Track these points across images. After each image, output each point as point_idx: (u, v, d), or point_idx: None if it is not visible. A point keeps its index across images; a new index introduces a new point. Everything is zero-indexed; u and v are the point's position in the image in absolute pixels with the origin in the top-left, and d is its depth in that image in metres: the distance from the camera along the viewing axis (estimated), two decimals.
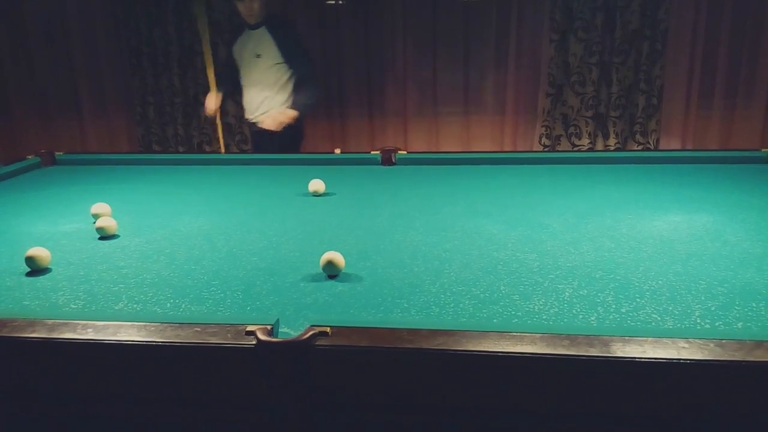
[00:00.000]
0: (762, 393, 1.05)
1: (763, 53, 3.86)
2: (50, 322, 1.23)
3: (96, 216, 2.05)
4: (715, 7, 3.83)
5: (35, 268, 1.63)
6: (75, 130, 4.64)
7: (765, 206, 2.06)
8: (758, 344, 1.06)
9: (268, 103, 3.41)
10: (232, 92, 3.64)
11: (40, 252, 1.64)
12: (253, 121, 3.48)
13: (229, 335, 1.15)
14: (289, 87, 3.37)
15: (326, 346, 1.12)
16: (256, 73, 3.39)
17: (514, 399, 1.12)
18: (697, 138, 4.08)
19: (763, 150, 2.75)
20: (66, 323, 1.22)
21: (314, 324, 1.17)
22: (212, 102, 3.42)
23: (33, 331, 1.20)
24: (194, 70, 4.28)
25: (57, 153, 3.15)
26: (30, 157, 3.07)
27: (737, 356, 1.03)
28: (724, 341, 1.07)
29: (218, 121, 3.49)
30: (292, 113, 3.26)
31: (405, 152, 2.97)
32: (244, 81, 3.47)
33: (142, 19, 4.22)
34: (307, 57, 3.43)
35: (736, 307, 1.31)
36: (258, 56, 3.34)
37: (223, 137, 3.55)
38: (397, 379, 1.14)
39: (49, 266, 1.65)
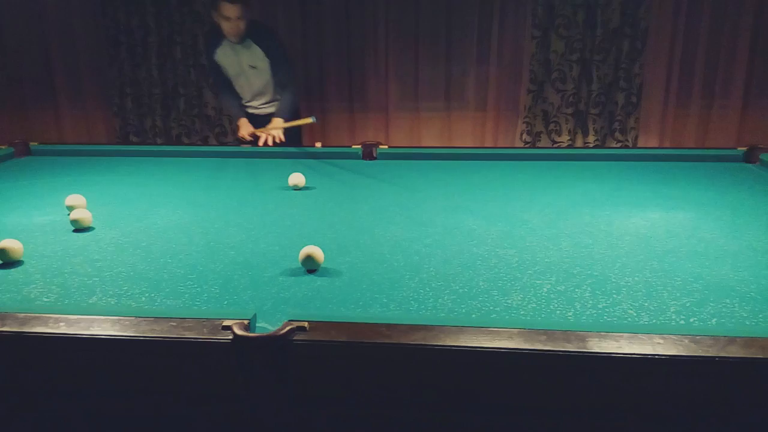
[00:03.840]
0: (735, 388, 1.07)
1: (740, 53, 3.91)
2: (21, 315, 1.20)
3: (71, 208, 2.02)
4: (694, 8, 3.87)
5: (7, 261, 1.60)
6: (50, 120, 4.55)
7: (740, 204, 2.09)
8: (731, 340, 1.07)
9: (267, 101, 3.52)
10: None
11: (13, 244, 1.61)
12: (256, 112, 3.52)
13: (205, 330, 1.14)
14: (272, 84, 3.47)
15: (304, 341, 1.11)
16: (256, 82, 3.43)
17: (492, 393, 1.12)
18: (675, 136, 4.13)
19: (739, 149, 2.79)
20: (38, 317, 1.19)
21: (292, 319, 1.16)
22: (245, 127, 3.39)
23: (4, 325, 1.17)
24: (173, 61, 4.22)
25: (31, 143, 3.08)
26: (4, 147, 3.00)
27: (711, 352, 1.05)
28: (698, 337, 1.09)
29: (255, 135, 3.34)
30: (281, 124, 3.22)
31: (386, 147, 2.97)
32: (243, 85, 3.46)
33: (121, 8, 4.15)
34: (288, 64, 3.41)
35: (711, 304, 1.33)
36: (254, 68, 3.36)
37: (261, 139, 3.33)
38: (375, 374, 1.13)
39: (21, 259, 1.62)
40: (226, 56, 3.34)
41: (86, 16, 4.30)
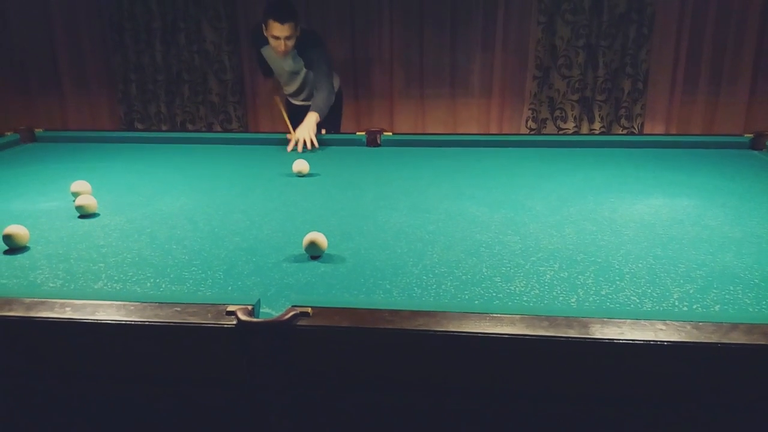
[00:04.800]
0: (737, 374, 1.07)
1: (748, 39, 3.87)
2: (28, 300, 1.21)
3: (76, 194, 2.03)
4: None
5: (13, 246, 1.61)
6: (55, 107, 4.55)
7: (745, 191, 2.08)
8: (734, 326, 1.08)
9: (306, 97, 3.54)
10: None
11: (19, 230, 1.61)
12: (295, 103, 3.58)
13: (209, 315, 1.14)
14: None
15: (307, 326, 1.12)
16: (296, 81, 3.46)
17: (494, 379, 1.12)
18: (681, 123, 4.10)
19: (746, 135, 2.78)
20: (44, 302, 1.20)
21: (296, 304, 1.16)
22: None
23: (10, 310, 1.18)
24: (177, 47, 4.21)
25: (37, 130, 3.09)
26: (9, 133, 3.01)
27: (713, 338, 1.05)
28: (700, 324, 1.09)
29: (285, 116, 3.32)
30: (315, 119, 3.08)
31: (390, 134, 2.96)
32: (284, 82, 3.50)
33: None
34: (328, 68, 3.30)
35: (714, 290, 1.33)
36: (296, 73, 3.38)
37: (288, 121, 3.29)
38: (378, 359, 1.14)
39: (27, 244, 1.63)
40: (269, 57, 3.31)
41: (90, 2, 4.29)
